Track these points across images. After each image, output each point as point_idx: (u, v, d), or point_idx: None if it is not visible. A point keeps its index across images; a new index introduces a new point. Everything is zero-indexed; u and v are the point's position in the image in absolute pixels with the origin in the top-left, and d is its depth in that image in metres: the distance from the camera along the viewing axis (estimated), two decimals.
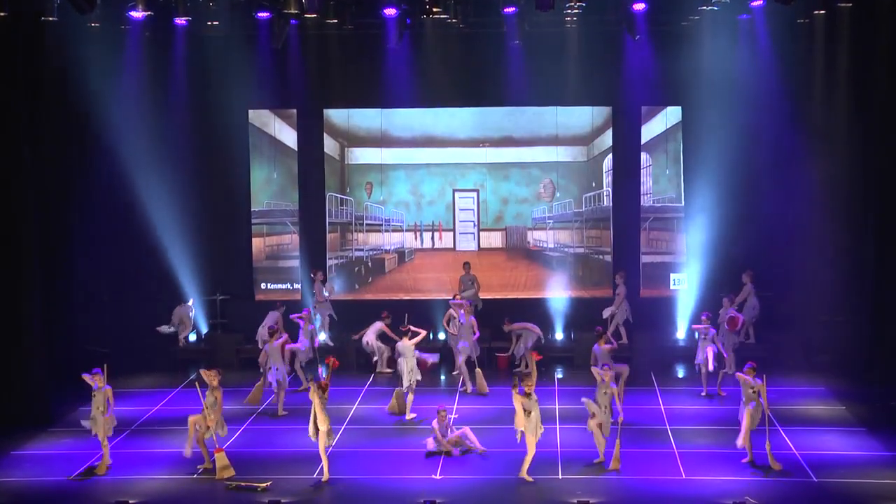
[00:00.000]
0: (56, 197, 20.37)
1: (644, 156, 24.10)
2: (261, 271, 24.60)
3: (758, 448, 16.08)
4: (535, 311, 23.36)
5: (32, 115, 19.14)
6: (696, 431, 17.96)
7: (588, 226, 24.41)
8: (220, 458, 16.01)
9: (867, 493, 15.03)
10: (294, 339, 20.68)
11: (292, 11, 19.26)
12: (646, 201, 24.15)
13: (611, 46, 22.90)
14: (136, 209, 22.85)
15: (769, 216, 22.96)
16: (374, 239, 24.70)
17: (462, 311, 20.71)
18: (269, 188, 24.50)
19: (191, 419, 16.29)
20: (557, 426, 17.78)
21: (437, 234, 24.68)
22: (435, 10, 21.16)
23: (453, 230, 24.69)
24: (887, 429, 17.64)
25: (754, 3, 21.39)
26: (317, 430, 15.71)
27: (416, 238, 24.70)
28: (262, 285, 24.55)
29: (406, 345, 18.95)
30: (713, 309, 21.25)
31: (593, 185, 24.30)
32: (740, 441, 16.08)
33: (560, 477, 15.86)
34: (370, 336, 21.63)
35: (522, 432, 15.59)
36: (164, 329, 23.14)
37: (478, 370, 20.47)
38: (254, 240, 24.48)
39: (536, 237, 24.60)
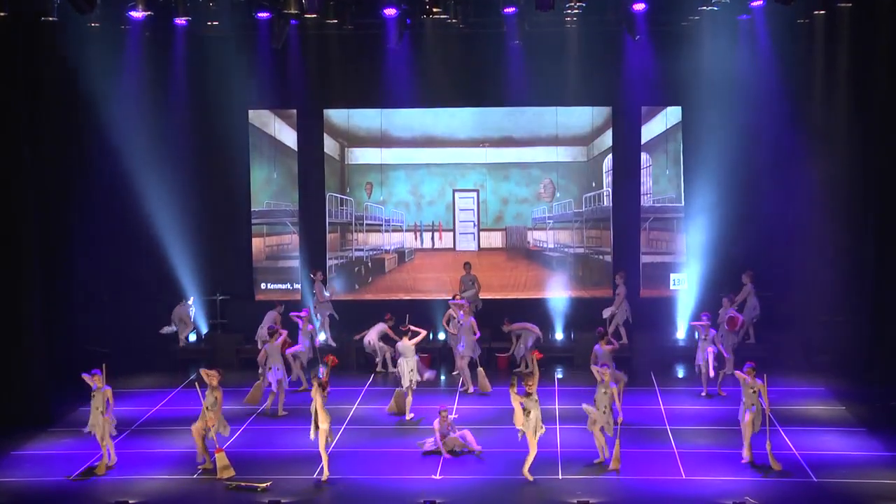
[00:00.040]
0: (56, 197, 20.38)
1: (644, 156, 24.10)
2: (261, 271, 24.60)
3: (758, 448, 16.08)
4: (535, 311, 23.35)
5: (32, 115, 19.15)
6: (696, 431, 17.96)
7: (588, 226, 24.40)
8: (221, 458, 16.02)
9: (867, 493, 15.03)
10: (293, 337, 20.66)
11: (292, 11, 19.26)
12: (646, 201, 24.15)
13: (611, 46, 22.90)
14: (136, 209, 22.86)
15: (769, 216, 22.96)
16: (374, 239, 24.70)
17: (462, 312, 20.70)
18: (269, 188, 24.50)
19: (193, 428, 16.28)
20: (557, 426, 17.77)
21: (437, 235, 24.68)
22: (435, 10, 21.16)
23: (453, 230, 24.69)
24: (887, 429, 17.64)
25: (754, 3, 21.39)
26: (317, 427, 15.72)
27: (416, 238, 24.70)
28: (262, 285, 24.55)
29: (406, 345, 18.96)
30: (713, 309, 21.26)
31: (593, 185, 24.30)
32: (745, 452, 16.07)
33: (560, 477, 15.86)
34: (372, 336, 21.62)
35: (524, 431, 15.59)
36: (166, 330, 23.15)
37: (480, 369, 20.47)
38: (254, 240, 24.48)
39: (536, 237, 24.60)
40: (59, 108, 20.57)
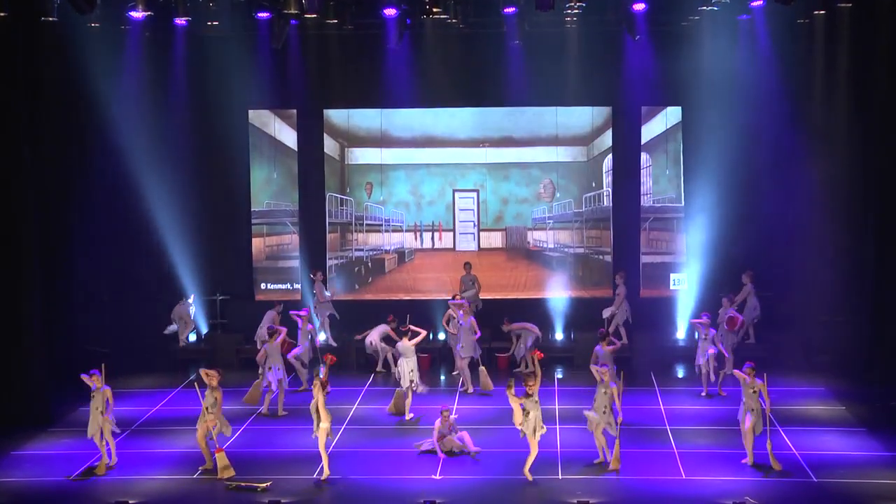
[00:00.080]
0: (56, 197, 20.38)
1: (644, 156, 24.11)
2: (261, 271, 24.60)
3: (758, 448, 16.07)
4: (535, 311, 23.35)
5: (32, 115, 19.14)
6: (696, 431, 17.96)
7: (588, 226, 24.41)
8: (221, 458, 16.02)
9: (867, 493, 15.03)
10: (292, 336, 20.64)
11: (292, 11, 19.26)
12: (646, 201, 24.15)
13: (611, 46, 22.91)
14: (136, 209, 22.87)
15: (769, 216, 22.96)
16: (374, 239, 24.70)
17: (461, 312, 20.70)
18: (269, 188, 24.51)
19: (198, 436, 16.29)
20: (557, 426, 17.77)
21: (437, 235, 24.68)
22: (435, 10, 21.17)
23: (453, 230, 24.69)
24: (887, 429, 17.64)
25: (754, 3, 21.39)
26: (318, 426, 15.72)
27: (416, 238, 24.70)
28: (262, 285, 24.55)
29: (406, 345, 18.96)
30: (713, 309, 21.26)
31: (593, 185, 24.30)
32: (749, 460, 16.07)
33: (560, 477, 15.86)
34: (374, 337, 21.59)
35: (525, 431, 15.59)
36: (170, 329, 23.16)
37: (481, 368, 20.47)
38: (254, 240, 24.48)
39: (536, 237, 24.60)
40: (59, 108, 20.57)
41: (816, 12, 21.28)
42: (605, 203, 24.24)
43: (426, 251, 24.72)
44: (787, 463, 16.08)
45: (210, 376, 16.27)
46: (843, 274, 21.31)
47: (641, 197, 24.10)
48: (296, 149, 24.39)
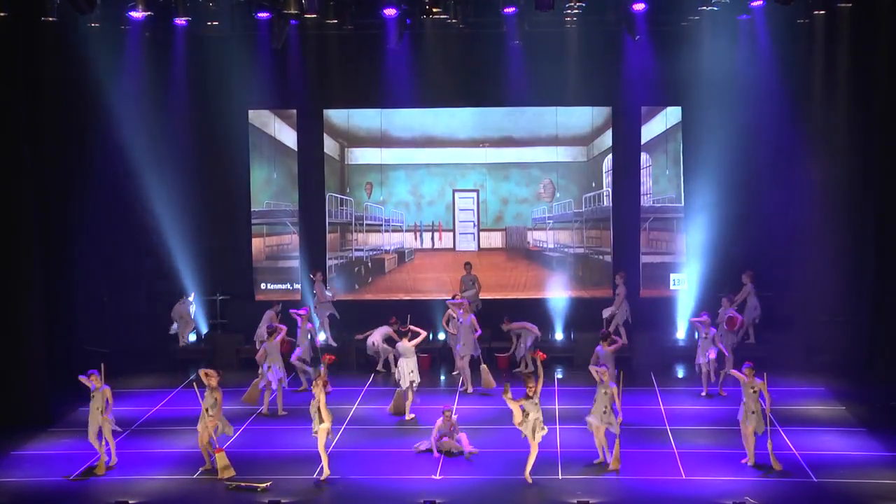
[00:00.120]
0: (56, 197, 20.37)
1: (644, 156, 24.11)
2: (261, 271, 24.60)
3: (759, 448, 16.07)
4: (535, 311, 23.35)
5: (32, 115, 19.13)
6: (696, 431, 17.96)
7: (588, 226, 24.41)
8: (221, 458, 16.01)
9: (867, 493, 15.03)
10: (291, 335, 20.61)
11: (292, 11, 19.25)
12: (646, 201, 24.15)
13: (611, 46, 22.90)
14: (136, 209, 22.89)
15: (769, 216, 22.97)
16: (374, 239, 24.70)
17: (461, 311, 20.69)
18: (269, 188, 24.50)
19: (199, 440, 16.29)
20: (557, 426, 17.76)
21: (436, 235, 24.68)
22: (435, 10, 21.15)
23: (453, 230, 24.69)
24: (887, 429, 17.64)
25: (754, 3, 21.39)
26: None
27: (415, 238, 24.70)
28: (262, 285, 24.55)
29: (406, 346, 18.95)
30: (713, 309, 21.25)
31: (593, 185, 24.30)
32: (751, 461, 16.07)
33: (560, 477, 15.85)
34: (376, 337, 21.56)
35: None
36: (173, 329, 23.17)
37: (483, 366, 20.47)
38: (254, 240, 24.48)
39: (536, 237, 24.60)
40: (60, 108, 20.57)
41: (816, 12, 21.28)
42: (605, 203, 24.24)
43: (426, 251, 24.72)
44: (787, 463, 16.07)
45: (209, 376, 16.26)
46: (843, 274, 21.33)
47: (641, 197, 24.10)
48: (296, 149, 24.39)
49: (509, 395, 15.47)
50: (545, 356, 16.64)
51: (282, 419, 18.91)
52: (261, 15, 21.19)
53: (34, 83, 19.35)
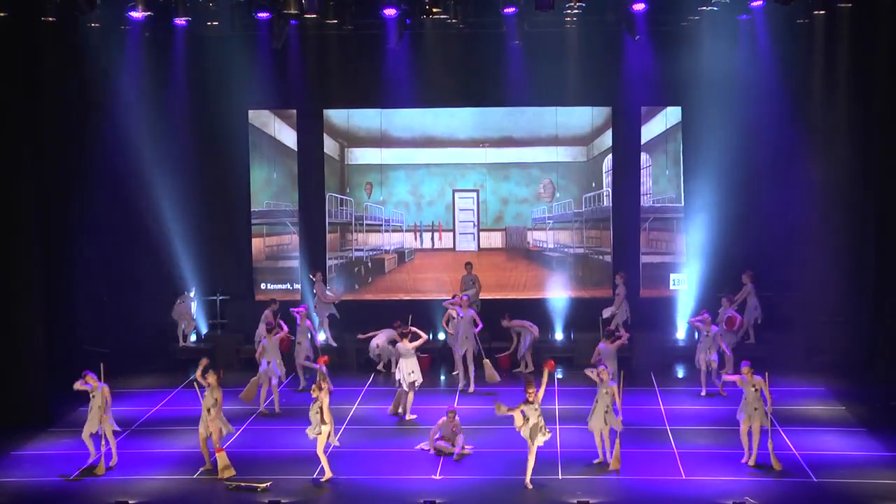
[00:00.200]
0: (56, 197, 20.37)
1: (644, 156, 24.11)
2: (261, 271, 24.60)
3: (760, 448, 16.05)
4: (535, 311, 23.34)
5: (32, 115, 19.13)
6: (696, 431, 17.96)
7: (588, 226, 24.41)
8: (221, 458, 16.01)
9: (867, 493, 15.02)
10: (291, 333, 20.59)
11: (292, 11, 19.24)
12: (646, 201, 24.16)
13: (611, 46, 22.90)
14: (136, 209, 22.89)
15: (769, 216, 22.97)
16: (374, 239, 24.70)
17: (460, 308, 20.67)
18: (269, 188, 24.50)
19: (202, 439, 16.29)
20: (557, 426, 17.74)
21: (436, 235, 24.68)
22: (435, 10, 21.14)
23: (453, 230, 24.69)
24: (887, 429, 17.64)
25: (754, 3, 21.39)
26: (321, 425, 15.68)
27: (415, 238, 24.70)
28: (262, 285, 24.55)
29: (407, 347, 18.93)
30: (713, 309, 21.25)
31: (593, 185, 24.30)
32: (752, 461, 16.05)
33: (560, 477, 15.85)
34: (381, 340, 21.50)
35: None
36: (181, 331, 23.17)
37: (486, 360, 20.48)
38: (254, 240, 24.48)
39: (536, 237, 24.60)
40: (60, 108, 20.57)
41: (816, 12, 21.28)
42: (605, 203, 24.24)
43: (426, 251, 24.72)
44: (787, 463, 16.07)
45: (208, 376, 16.23)
46: (843, 274, 21.34)
47: (641, 197, 24.10)
48: (296, 149, 24.39)
49: (503, 409, 15.43)
50: (554, 366, 16.52)
51: (282, 419, 18.89)
52: (261, 15, 21.19)
53: (34, 83, 19.34)
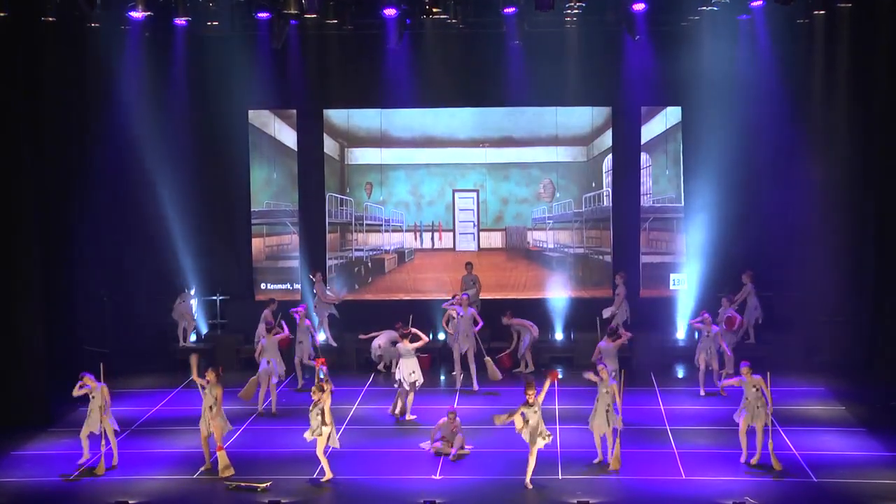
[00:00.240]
0: (56, 197, 20.35)
1: (644, 156, 24.11)
2: (261, 271, 24.60)
3: (761, 447, 16.06)
4: (535, 311, 23.32)
5: (32, 115, 19.13)
6: (696, 431, 17.97)
7: (588, 226, 24.40)
8: (221, 458, 16.01)
9: (867, 493, 15.02)
10: (291, 332, 20.59)
11: (292, 11, 19.24)
12: (646, 201, 24.15)
13: (611, 46, 22.90)
14: (136, 209, 22.89)
15: (769, 216, 22.97)
16: (374, 239, 24.70)
17: (459, 307, 20.66)
18: (269, 188, 24.50)
19: (203, 438, 16.29)
20: (557, 426, 17.75)
21: (436, 235, 24.68)
22: (435, 10, 21.12)
23: (453, 230, 24.69)
24: (887, 429, 17.64)
25: (754, 3, 21.39)
26: (323, 425, 15.67)
27: (415, 238, 24.70)
28: (262, 285, 24.54)
29: (407, 347, 18.93)
30: (713, 309, 21.25)
31: (593, 185, 24.30)
32: (753, 460, 16.05)
33: (560, 477, 15.85)
34: (382, 341, 21.48)
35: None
36: (182, 331, 23.17)
37: (487, 358, 20.49)
38: (254, 240, 24.48)
39: (536, 237, 24.60)
40: (60, 108, 20.55)
41: (816, 12, 21.28)
42: (605, 203, 24.24)
43: (426, 251, 24.72)
44: (787, 463, 16.07)
45: (206, 375, 16.21)
46: (843, 274, 21.33)
47: (641, 197, 24.10)
48: (296, 149, 24.39)
49: (502, 418, 15.42)
50: (559, 376, 16.46)
51: (282, 419, 18.89)
52: (261, 15, 21.19)
53: (34, 83, 19.32)
